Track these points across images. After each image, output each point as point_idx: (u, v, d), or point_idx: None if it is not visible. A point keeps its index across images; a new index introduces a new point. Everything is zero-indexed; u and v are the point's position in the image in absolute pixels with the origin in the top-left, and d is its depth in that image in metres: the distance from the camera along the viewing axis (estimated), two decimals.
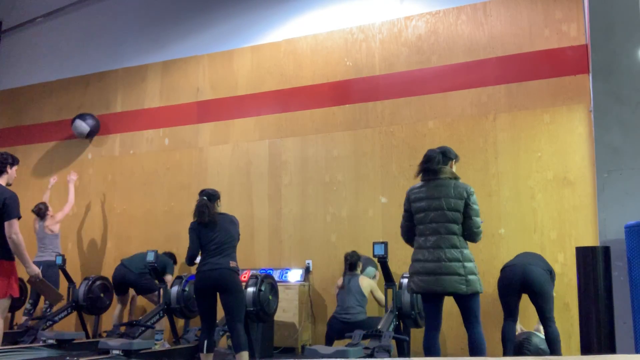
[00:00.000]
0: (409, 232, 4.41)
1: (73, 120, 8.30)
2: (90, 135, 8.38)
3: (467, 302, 4.11)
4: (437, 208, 4.18)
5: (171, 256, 7.24)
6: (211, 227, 4.94)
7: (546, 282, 4.94)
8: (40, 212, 7.50)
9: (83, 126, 8.23)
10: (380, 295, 5.89)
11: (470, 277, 4.05)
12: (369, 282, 5.95)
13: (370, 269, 6.21)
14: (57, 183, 8.26)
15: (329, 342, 5.87)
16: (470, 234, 4.17)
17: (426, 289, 4.15)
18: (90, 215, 8.29)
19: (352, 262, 6.01)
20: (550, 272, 5.07)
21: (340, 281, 6.02)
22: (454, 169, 4.38)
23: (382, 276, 5.66)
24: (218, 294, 4.89)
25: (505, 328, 5.05)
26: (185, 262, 5.11)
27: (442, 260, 4.08)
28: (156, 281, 6.55)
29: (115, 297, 7.19)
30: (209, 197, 5.06)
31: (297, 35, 7.42)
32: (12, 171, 4.98)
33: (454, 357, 5.86)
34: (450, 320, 6.06)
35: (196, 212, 4.98)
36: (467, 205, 4.15)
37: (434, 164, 4.26)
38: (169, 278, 6.81)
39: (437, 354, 4.17)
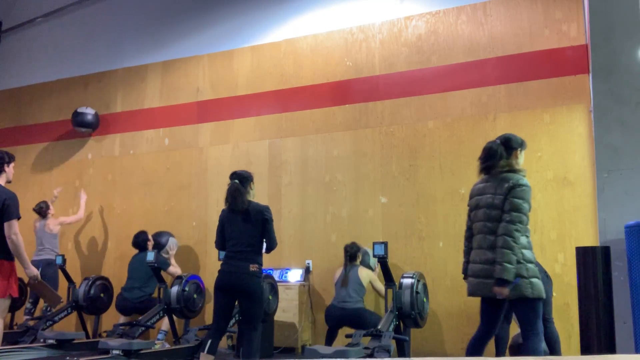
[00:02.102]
0: (467, 231, 4.11)
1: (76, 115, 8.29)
2: (90, 126, 8.33)
3: (514, 308, 3.82)
4: (483, 205, 3.90)
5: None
6: (236, 220, 4.66)
7: (545, 284, 4.93)
8: (42, 210, 7.56)
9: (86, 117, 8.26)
10: (380, 285, 5.92)
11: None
12: (368, 273, 5.99)
13: (371, 261, 6.22)
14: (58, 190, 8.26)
15: (327, 331, 5.91)
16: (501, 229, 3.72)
17: (472, 291, 3.92)
18: (90, 215, 8.29)
19: (352, 254, 6.05)
20: (546, 275, 5.06)
21: (339, 272, 6.05)
22: (520, 158, 4.01)
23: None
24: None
25: (498, 330, 5.02)
26: None
27: (482, 263, 3.83)
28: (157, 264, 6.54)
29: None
30: (241, 180, 4.70)
31: (297, 35, 7.41)
32: (9, 169, 4.98)
33: (454, 357, 5.85)
34: (450, 320, 6.07)
35: (228, 197, 4.65)
36: (505, 200, 3.76)
37: (492, 160, 3.93)
38: (171, 270, 6.87)
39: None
